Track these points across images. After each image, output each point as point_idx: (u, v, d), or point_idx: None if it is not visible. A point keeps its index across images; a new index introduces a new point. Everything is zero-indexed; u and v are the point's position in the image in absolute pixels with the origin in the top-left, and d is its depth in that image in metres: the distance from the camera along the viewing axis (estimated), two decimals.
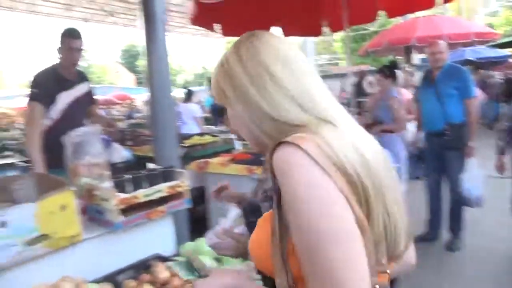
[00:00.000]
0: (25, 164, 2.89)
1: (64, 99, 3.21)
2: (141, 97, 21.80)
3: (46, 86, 3.18)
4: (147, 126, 7.09)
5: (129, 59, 38.52)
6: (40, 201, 1.75)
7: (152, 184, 2.15)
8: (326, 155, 0.79)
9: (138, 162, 4.31)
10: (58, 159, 2.83)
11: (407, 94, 5.79)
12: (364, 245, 0.78)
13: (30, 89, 3.17)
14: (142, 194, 2.07)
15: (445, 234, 4.48)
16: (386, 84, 4.75)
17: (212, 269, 1.22)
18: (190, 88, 8.60)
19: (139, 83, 28.62)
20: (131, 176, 2.12)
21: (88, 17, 17.51)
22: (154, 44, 2.61)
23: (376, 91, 5.18)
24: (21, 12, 16.56)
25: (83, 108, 3.43)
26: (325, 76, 25.18)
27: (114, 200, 1.96)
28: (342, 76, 22.85)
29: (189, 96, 7.58)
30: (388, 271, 0.87)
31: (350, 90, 6.34)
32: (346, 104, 12.13)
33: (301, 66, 0.93)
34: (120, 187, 2.06)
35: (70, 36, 3.22)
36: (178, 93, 21.37)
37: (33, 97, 3.15)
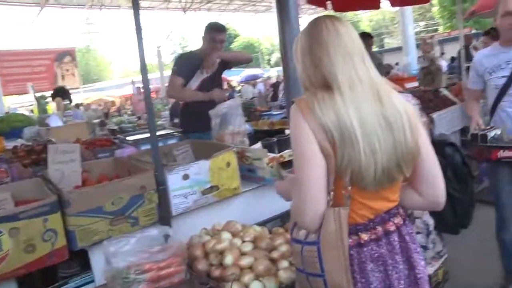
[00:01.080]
0: (179, 134, 3.36)
1: (200, 75, 3.65)
2: (236, 78, 22.51)
3: (185, 65, 3.66)
4: (258, 103, 7.51)
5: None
6: (212, 159, 2.11)
7: None
8: (311, 110, 1.25)
9: (255, 135, 4.68)
10: (198, 124, 3.30)
11: None
12: (327, 167, 1.25)
13: (173, 67, 3.70)
14: (287, 154, 2.36)
15: None
16: None
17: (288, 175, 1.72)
18: None
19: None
20: (276, 140, 2.43)
21: (186, 6, 18.46)
22: (287, 26, 2.86)
23: None
24: (125, 9, 17.81)
25: (217, 85, 3.81)
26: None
27: (266, 159, 2.28)
28: (441, 42, 21.63)
29: None
30: (349, 194, 1.29)
31: (458, 55, 6.09)
32: (450, 71, 11.47)
33: (338, 48, 1.32)
34: (267, 148, 2.38)
35: (213, 30, 3.62)
36: (272, 72, 21.59)
37: (173, 72, 3.68)
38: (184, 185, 2.04)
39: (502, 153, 2.69)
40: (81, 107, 14.36)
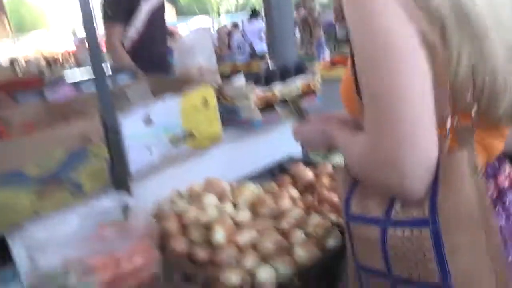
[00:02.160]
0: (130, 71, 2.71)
1: (145, 8, 2.95)
2: (183, 28, 21.47)
3: (120, 1, 2.92)
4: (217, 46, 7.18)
5: None
6: (184, 96, 1.51)
7: (284, 79, 1.88)
8: None
9: None
10: (152, 67, 2.70)
11: None
12: (432, 68, 0.68)
13: (104, 10, 2.95)
14: (278, 90, 1.80)
15: None
16: None
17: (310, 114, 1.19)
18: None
19: (180, 14, 27.75)
20: (262, 72, 1.86)
21: None
22: None
23: None
24: None
25: (164, 17, 3.20)
26: None
27: (254, 96, 1.71)
28: None
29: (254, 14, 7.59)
30: (472, 111, 0.72)
31: None
32: None
33: None
34: (253, 83, 1.81)
35: None
36: (222, 20, 20.67)
37: (107, 18, 2.93)
38: (147, 133, 1.44)
39: None
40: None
